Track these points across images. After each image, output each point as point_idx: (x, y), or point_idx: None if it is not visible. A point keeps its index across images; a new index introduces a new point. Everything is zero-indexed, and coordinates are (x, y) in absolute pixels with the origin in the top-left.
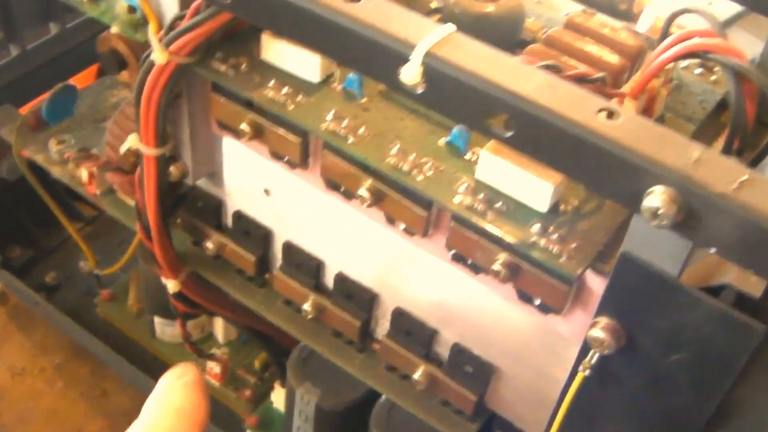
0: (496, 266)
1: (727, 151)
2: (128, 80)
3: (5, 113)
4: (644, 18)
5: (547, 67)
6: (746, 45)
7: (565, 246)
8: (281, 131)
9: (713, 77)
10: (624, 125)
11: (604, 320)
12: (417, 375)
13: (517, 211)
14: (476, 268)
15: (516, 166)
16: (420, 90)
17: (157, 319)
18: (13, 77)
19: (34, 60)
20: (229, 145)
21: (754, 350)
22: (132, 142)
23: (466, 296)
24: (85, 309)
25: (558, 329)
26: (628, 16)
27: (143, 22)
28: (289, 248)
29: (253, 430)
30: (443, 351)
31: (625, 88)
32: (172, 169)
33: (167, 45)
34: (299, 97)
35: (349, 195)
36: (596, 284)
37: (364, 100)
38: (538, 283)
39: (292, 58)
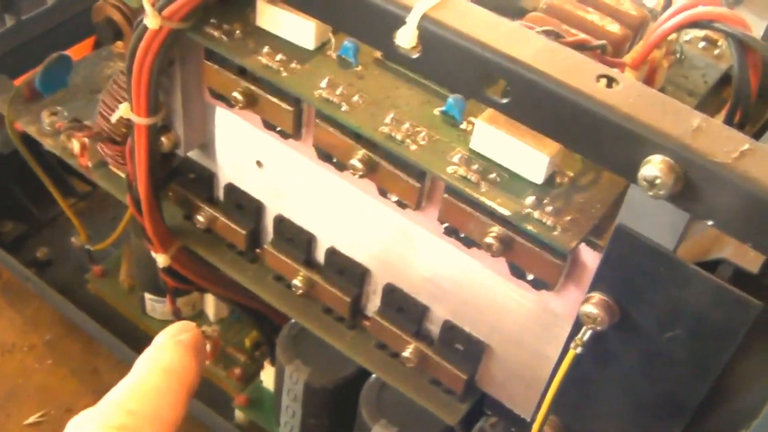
0: (489, 239)
1: (728, 123)
2: (124, 51)
3: None
4: None
5: (547, 34)
6: (751, 25)
7: (560, 219)
8: (274, 99)
9: (716, 51)
10: (623, 92)
11: (597, 296)
12: (407, 353)
13: (511, 183)
14: (469, 242)
15: (511, 136)
16: (415, 55)
17: (147, 296)
18: (8, 48)
19: (29, 31)
20: (221, 115)
21: (750, 328)
22: (123, 111)
23: (459, 272)
24: (76, 285)
25: (551, 306)
26: None
27: None
28: (280, 222)
29: (242, 408)
30: (434, 328)
31: (627, 59)
32: (163, 139)
33: (160, 10)
34: (293, 64)
35: (342, 166)
36: (591, 259)
37: (359, 68)
38: (531, 257)
39: (287, 24)
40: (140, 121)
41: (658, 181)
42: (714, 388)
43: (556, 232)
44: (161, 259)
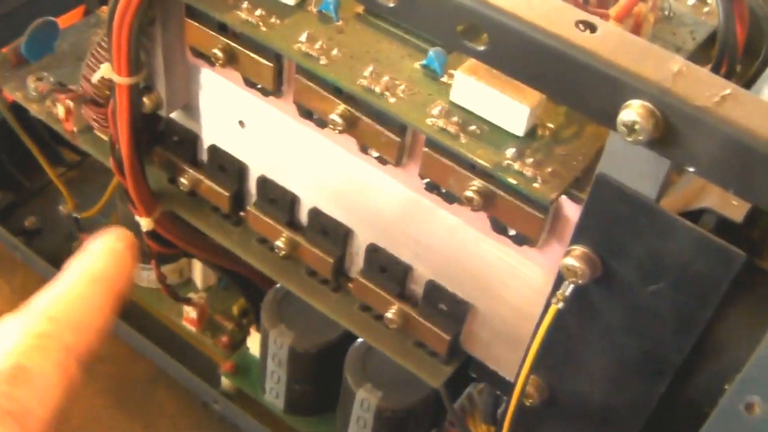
0: (469, 193)
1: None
2: None
3: None
4: None
5: None
6: None
7: (541, 170)
8: (254, 56)
9: (706, 9)
10: (602, 38)
11: (578, 248)
12: (390, 314)
13: (491, 135)
14: (450, 197)
15: (492, 88)
16: (392, 4)
17: None
18: None
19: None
20: (204, 75)
21: (733, 281)
22: (105, 71)
23: (441, 230)
24: (64, 254)
25: (534, 263)
26: None
27: None
28: (263, 183)
29: (228, 376)
30: (418, 289)
31: (611, 11)
32: (145, 99)
33: None
34: (273, 20)
35: (323, 123)
36: (573, 213)
37: (339, 23)
38: (512, 210)
39: None
40: (121, 80)
41: (637, 126)
42: (698, 344)
43: (536, 184)
44: (145, 223)
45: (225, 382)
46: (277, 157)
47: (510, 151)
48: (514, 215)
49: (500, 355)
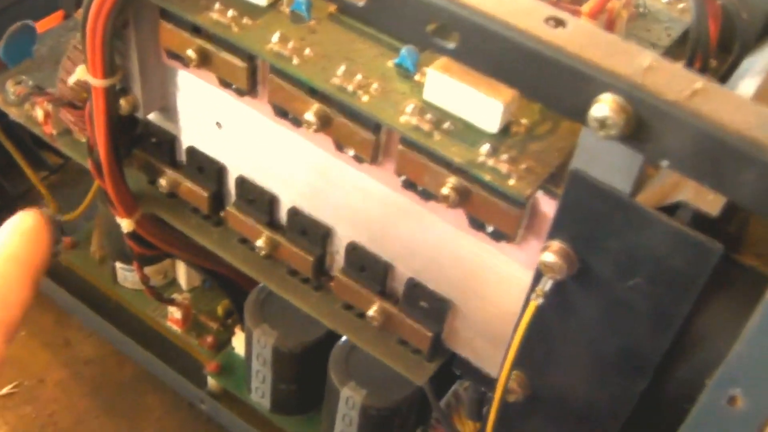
0: (446, 190)
1: None
2: None
3: None
4: None
5: None
6: None
7: (516, 167)
8: (227, 56)
9: (681, 5)
10: (572, 33)
11: (556, 244)
12: (372, 311)
13: (465, 132)
14: (426, 195)
15: (464, 84)
16: (361, 3)
17: (118, 265)
18: None
19: None
20: (180, 76)
21: (711, 275)
22: (80, 73)
23: (419, 228)
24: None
25: (512, 259)
26: None
27: None
28: (242, 183)
29: (214, 376)
30: (399, 287)
31: (584, 8)
32: (122, 101)
33: None
34: (244, 20)
35: (298, 122)
36: (550, 209)
37: (312, 22)
38: (488, 207)
39: None
40: (97, 83)
41: (608, 121)
42: (677, 339)
43: (511, 180)
44: (125, 224)
45: (211, 382)
46: (255, 157)
47: (484, 148)
48: (490, 212)
49: (483, 352)
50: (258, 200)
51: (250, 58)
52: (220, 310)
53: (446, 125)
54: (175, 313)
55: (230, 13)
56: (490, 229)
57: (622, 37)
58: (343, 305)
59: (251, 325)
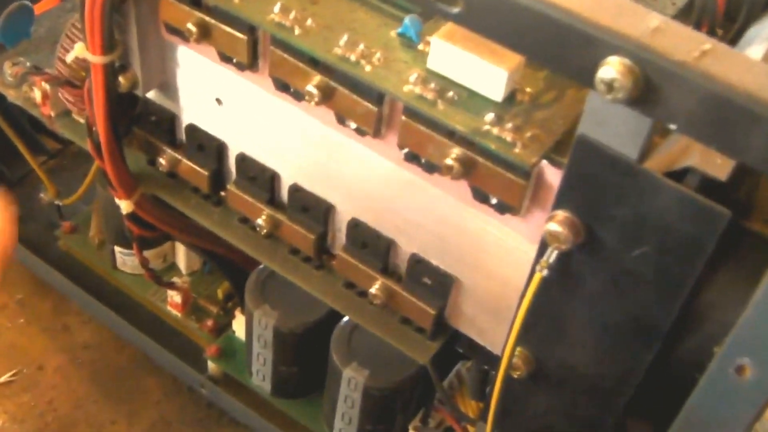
0: (449, 161)
1: None
2: None
3: None
4: None
5: None
6: None
7: (521, 135)
8: (228, 29)
9: None
10: None
11: (561, 213)
12: (374, 289)
13: (470, 101)
14: (430, 167)
15: (469, 53)
16: None
17: (117, 249)
18: None
19: None
20: (179, 52)
21: (718, 242)
22: (79, 50)
23: (422, 202)
24: (46, 242)
25: (517, 231)
26: None
27: None
28: (242, 160)
29: (214, 360)
30: (401, 264)
31: None
32: (121, 78)
33: None
34: None
35: (299, 95)
36: (555, 179)
37: None
38: (492, 177)
39: None
40: (95, 59)
41: (616, 83)
42: (685, 308)
43: (516, 149)
44: (125, 206)
45: (211, 366)
46: (256, 133)
47: (489, 117)
48: (495, 182)
49: (486, 328)
50: (259, 177)
51: (250, 30)
52: (220, 294)
53: (450, 94)
54: (174, 297)
55: None
56: (494, 200)
57: None
58: (344, 284)
59: (252, 306)
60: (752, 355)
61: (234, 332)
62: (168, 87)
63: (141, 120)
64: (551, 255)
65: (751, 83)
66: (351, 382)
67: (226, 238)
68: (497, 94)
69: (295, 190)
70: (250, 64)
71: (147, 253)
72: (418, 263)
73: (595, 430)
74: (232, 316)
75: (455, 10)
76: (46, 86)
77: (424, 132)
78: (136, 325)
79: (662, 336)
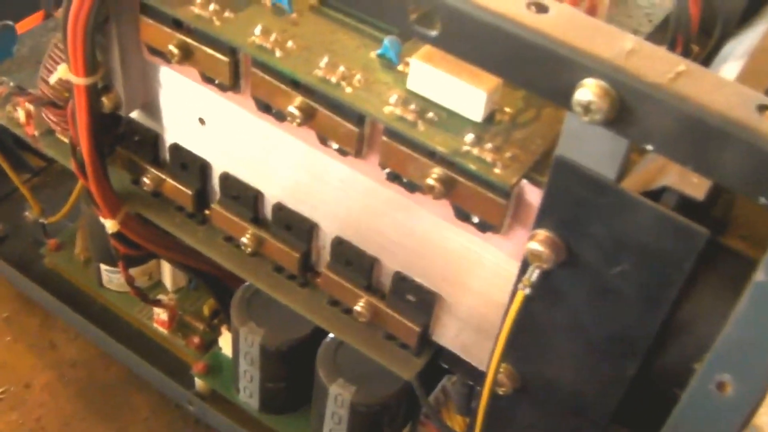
0: (430, 181)
1: None
2: None
3: None
4: None
5: None
6: None
7: (500, 155)
8: (209, 51)
9: None
10: (554, 18)
11: (542, 232)
12: (359, 307)
13: (449, 121)
14: (411, 187)
15: (448, 74)
16: None
17: (103, 267)
18: None
19: None
20: (162, 73)
21: (697, 259)
22: (62, 72)
23: (404, 220)
24: (32, 260)
25: (499, 249)
26: None
27: None
28: (226, 180)
29: (201, 376)
30: (385, 281)
31: None
32: (104, 99)
33: None
34: (226, 14)
35: (281, 116)
36: (535, 198)
37: (293, 15)
38: (473, 197)
39: None
40: (78, 81)
41: (592, 105)
42: (665, 325)
43: (496, 169)
44: (110, 225)
45: (199, 383)
46: (239, 153)
47: (469, 137)
48: (476, 202)
49: (471, 345)
50: (242, 197)
51: (232, 52)
52: (206, 311)
53: (430, 115)
54: (160, 314)
55: (212, 6)
56: (476, 219)
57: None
58: (329, 301)
59: (238, 324)
60: (733, 371)
61: (221, 349)
62: (151, 107)
63: (124, 139)
64: (533, 273)
65: (723, 104)
66: (338, 399)
67: (210, 256)
68: (476, 114)
69: (278, 208)
70: (232, 85)
71: (133, 271)
72: (401, 281)
73: None
74: (219, 333)
75: (433, 33)
76: (30, 106)
77: (405, 152)
78: (123, 342)
79: (644, 351)
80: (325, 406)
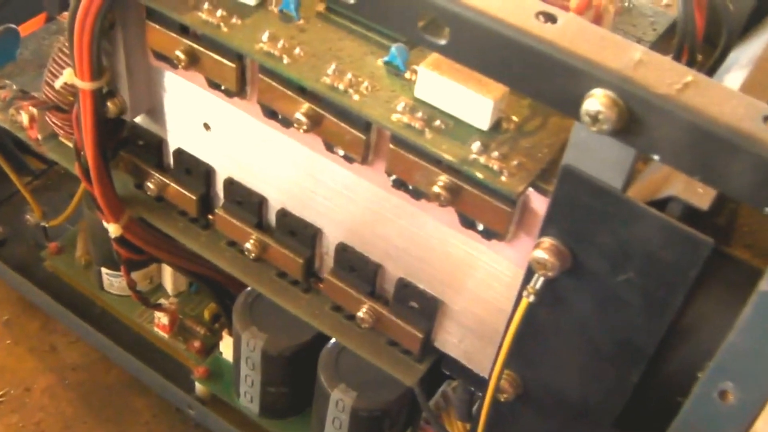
0: (436, 189)
1: None
2: None
3: None
4: None
5: None
6: None
7: (507, 164)
8: (216, 56)
9: (665, 1)
10: (563, 28)
11: (547, 241)
12: (362, 313)
13: (456, 129)
14: (417, 194)
15: (455, 82)
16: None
17: (104, 271)
18: None
19: None
20: (167, 78)
21: (702, 268)
22: (67, 76)
23: (409, 227)
24: (33, 263)
25: (503, 257)
26: None
27: None
28: (230, 185)
29: (202, 381)
30: (389, 287)
31: (571, 4)
32: (109, 104)
33: None
34: (234, 20)
35: (287, 122)
36: (541, 206)
37: (301, 21)
38: (479, 205)
39: None
40: (84, 85)
41: (600, 115)
42: (669, 333)
43: (503, 177)
44: (113, 229)
45: (199, 387)
46: (244, 158)
47: (475, 145)
48: (481, 210)
49: (473, 351)
50: (246, 202)
51: (239, 58)
52: (207, 315)
53: (437, 123)
54: (161, 318)
55: (219, 12)
56: (481, 227)
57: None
58: (332, 307)
59: (240, 329)
60: (735, 380)
61: (221, 353)
62: (156, 112)
63: (129, 144)
64: (538, 281)
65: (730, 115)
66: (339, 404)
67: (213, 261)
68: (483, 122)
69: (283, 214)
70: (239, 91)
71: (134, 275)
72: (405, 287)
73: None
74: (219, 337)
75: (442, 42)
76: (34, 110)
77: (411, 160)
78: (124, 346)
79: (647, 358)
80: (326, 411)
